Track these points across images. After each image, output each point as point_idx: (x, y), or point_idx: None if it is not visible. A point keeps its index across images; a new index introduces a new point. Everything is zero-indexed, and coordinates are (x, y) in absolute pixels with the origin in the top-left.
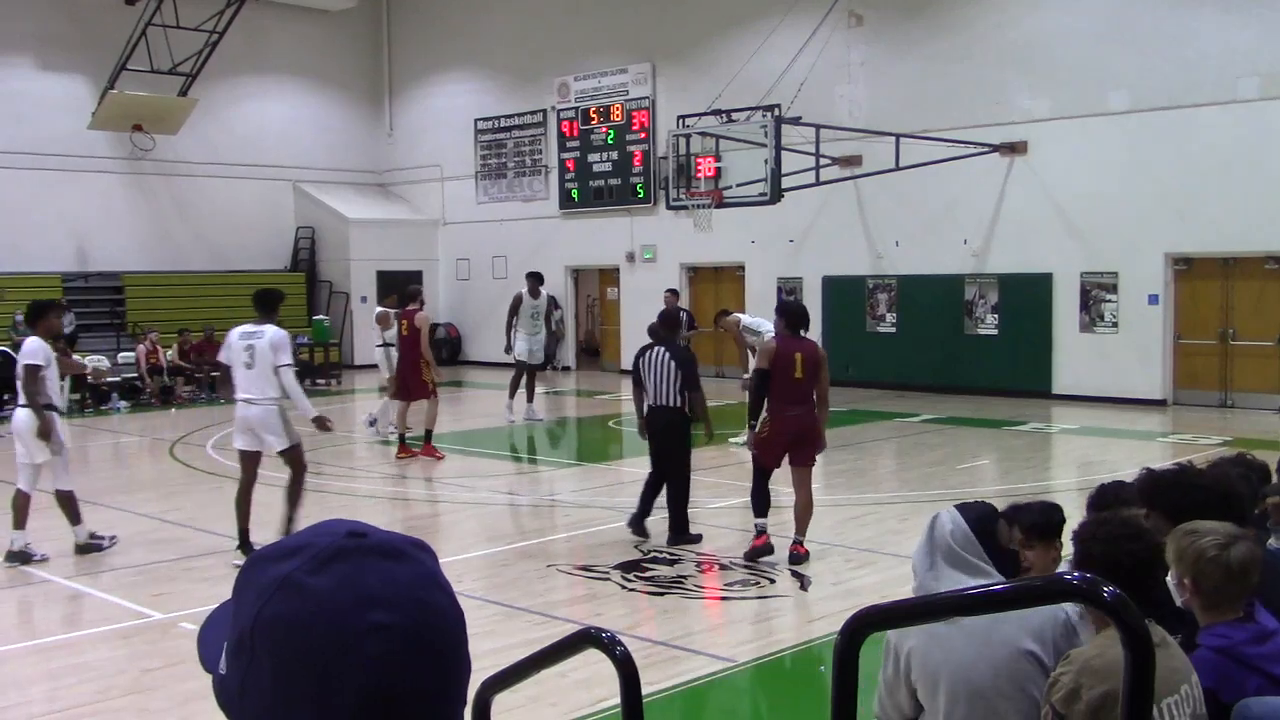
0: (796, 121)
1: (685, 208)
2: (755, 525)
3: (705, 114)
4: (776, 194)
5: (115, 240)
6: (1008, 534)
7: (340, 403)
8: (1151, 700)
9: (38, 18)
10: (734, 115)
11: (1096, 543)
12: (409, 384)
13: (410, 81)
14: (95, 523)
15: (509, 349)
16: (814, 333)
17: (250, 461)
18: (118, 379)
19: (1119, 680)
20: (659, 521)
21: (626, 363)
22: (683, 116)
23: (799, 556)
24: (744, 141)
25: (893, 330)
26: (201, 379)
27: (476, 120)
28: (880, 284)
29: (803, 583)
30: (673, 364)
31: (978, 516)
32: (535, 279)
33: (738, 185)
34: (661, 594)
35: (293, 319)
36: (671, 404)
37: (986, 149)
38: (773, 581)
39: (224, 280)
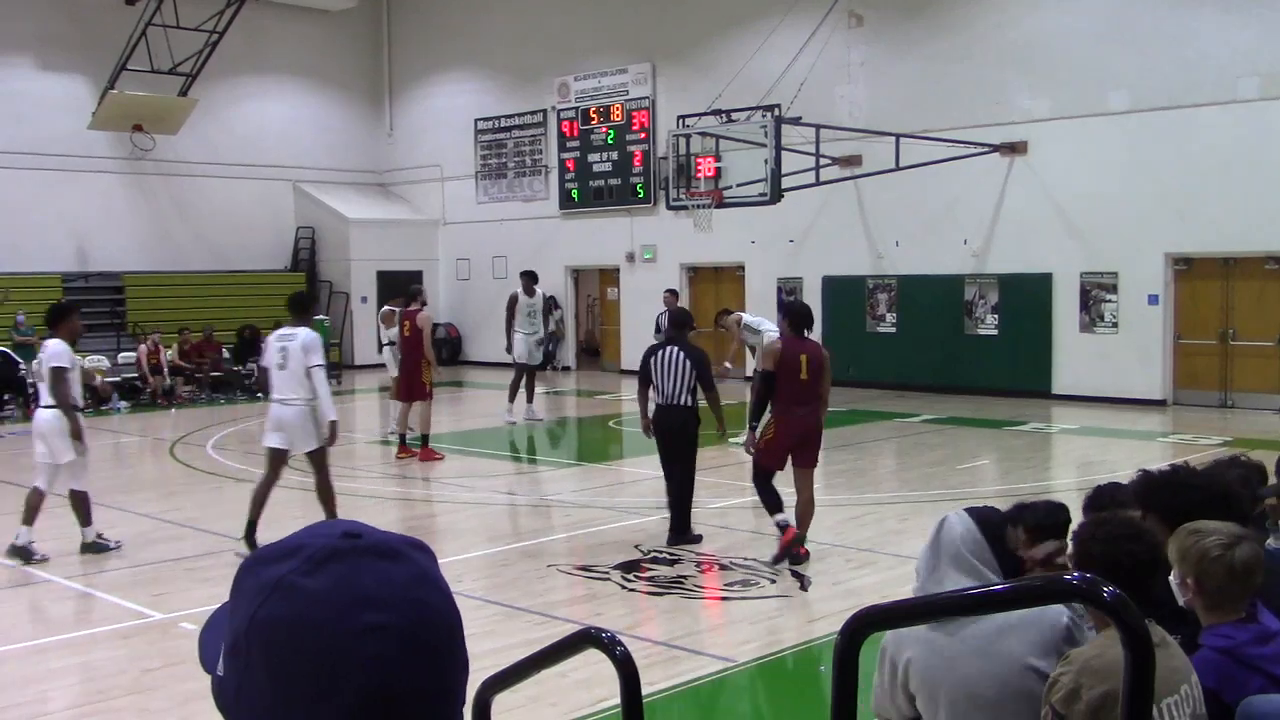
0: (796, 121)
1: (685, 208)
2: (776, 523)
3: (705, 114)
4: (776, 194)
5: (115, 240)
6: (1014, 537)
7: (340, 403)
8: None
9: (38, 18)
10: (734, 115)
11: (1096, 543)
12: (411, 384)
13: (410, 81)
14: (96, 523)
15: (509, 349)
16: (814, 333)
17: (278, 460)
18: (118, 379)
19: (1119, 680)
20: (660, 523)
21: (627, 363)
22: (683, 116)
23: (799, 557)
24: (744, 141)
25: (893, 330)
26: (201, 379)
27: (476, 120)
28: (880, 284)
29: (803, 583)
30: (687, 363)
31: (985, 521)
32: (530, 278)
33: (738, 185)
34: (661, 594)
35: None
36: (683, 403)
37: (986, 149)
38: (773, 581)
39: (224, 280)
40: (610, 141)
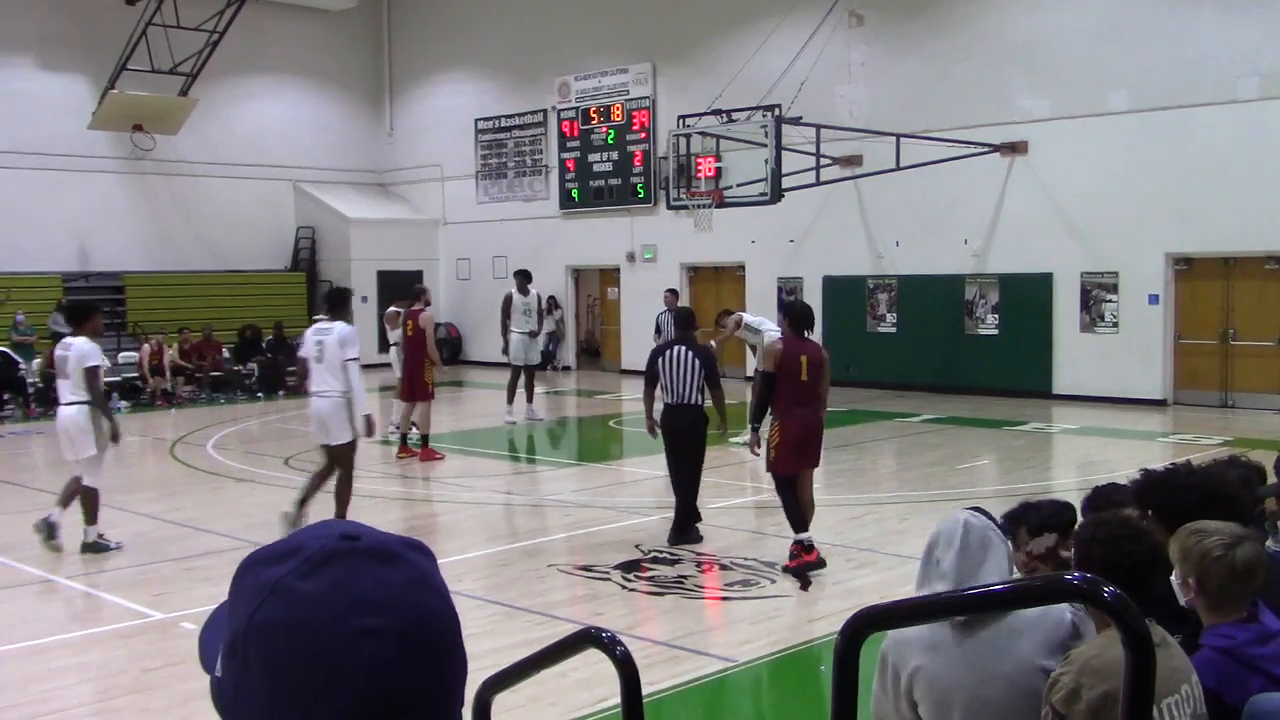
0: (797, 121)
1: (686, 207)
2: (803, 541)
3: (706, 114)
4: (777, 194)
5: (116, 240)
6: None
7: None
8: (1152, 700)
9: (38, 18)
10: (734, 115)
11: (1096, 544)
12: (414, 384)
13: (410, 81)
14: (98, 523)
15: (505, 349)
16: (815, 333)
17: (350, 451)
18: (118, 379)
19: (1119, 680)
20: (661, 522)
21: (627, 363)
22: (683, 116)
23: (807, 579)
24: (744, 141)
25: (893, 330)
26: (201, 379)
27: (477, 120)
28: (880, 284)
29: (803, 583)
30: (696, 362)
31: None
32: (523, 277)
33: (738, 185)
34: (662, 594)
35: (293, 319)
36: (693, 402)
37: (987, 149)
38: (773, 581)
39: (224, 280)
40: (610, 141)
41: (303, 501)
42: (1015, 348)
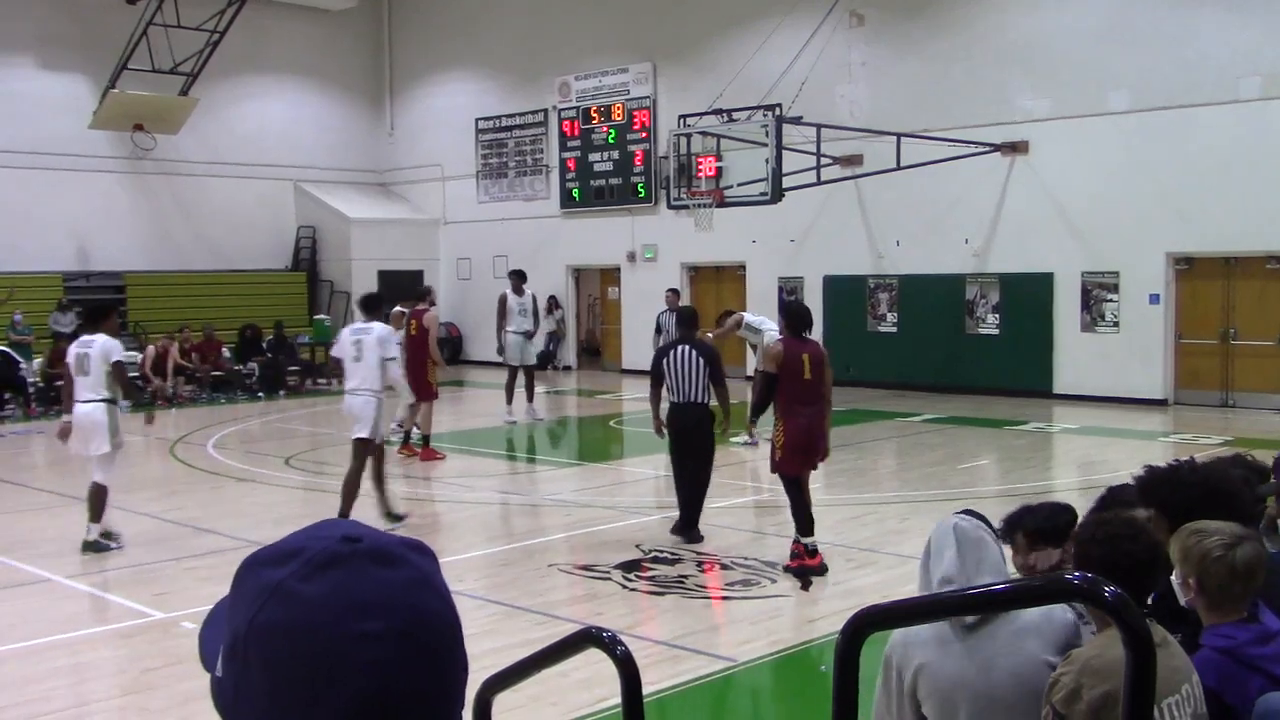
0: (797, 121)
1: (686, 207)
2: (806, 544)
3: (706, 113)
4: (777, 194)
5: (116, 240)
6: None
7: (340, 402)
8: (1153, 700)
9: (38, 18)
10: (735, 115)
11: (1094, 543)
12: (417, 384)
13: (411, 81)
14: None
15: (501, 350)
16: (815, 332)
17: (364, 450)
18: None
19: (1120, 680)
20: (661, 522)
21: (628, 362)
22: (684, 116)
23: (799, 556)
24: (745, 141)
25: (894, 330)
26: (202, 379)
27: (477, 120)
28: (881, 283)
29: (803, 583)
30: (700, 360)
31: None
32: (518, 277)
33: (739, 185)
34: (662, 594)
35: (293, 318)
36: (699, 400)
37: (987, 149)
38: (773, 581)
39: (225, 280)
40: (611, 141)
41: (384, 501)
42: (1016, 347)
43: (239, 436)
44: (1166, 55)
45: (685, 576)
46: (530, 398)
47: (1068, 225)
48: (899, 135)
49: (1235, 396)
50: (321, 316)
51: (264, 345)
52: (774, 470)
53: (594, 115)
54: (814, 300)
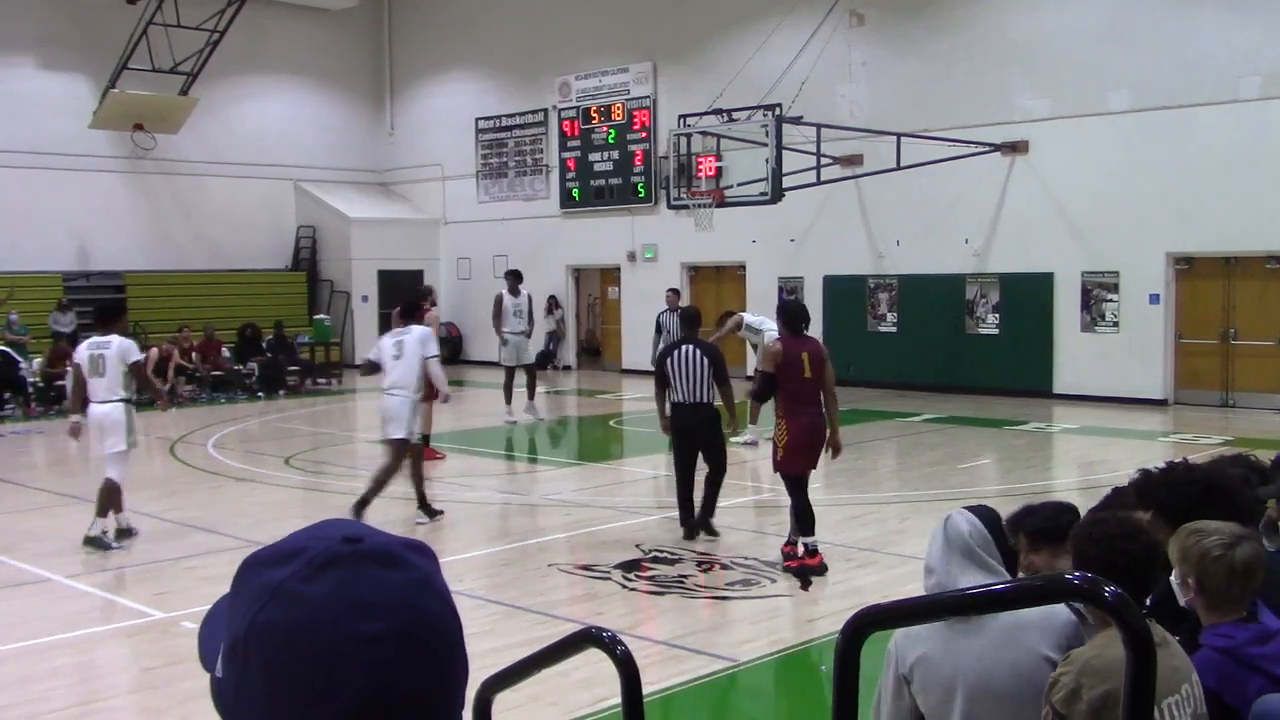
0: (798, 121)
1: (686, 207)
2: (805, 544)
3: (706, 113)
4: (777, 193)
5: (116, 240)
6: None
7: (340, 402)
8: (1153, 700)
9: (38, 18)
10: (735, 115)
11: (1092, 543)
12: None
13: (411, 81)
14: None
15: (498, 350)
16: (815, 332)
17: (402, 449)
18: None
19: (1120, 680)
20: (661, 522)
21: (628, 362)
22: (684, 116)
23: (808, 580)
24: (745, 141)
25: (894, 330)
26: (202, 378)
27: (477, 119)
28: (881, 283)
29: (803, 582)
30: (705, 360)
31: (986, 518)
32: (514, 277)
33: (739, 185)
34: (662, 594)
35: (293, 318)
36: (704, 400)
37: (987, 148)
38: (773, 581)
39: (225, 280)
40: (611, 141)
41: (421, 497)
42: (1016, 347)
43: (239, 436)
44: (1166, 55)
45: (685, 576)
46: (531, 396)
47: (1068, 225)
48: (899, 135)
49: (1235, 396)
50: (321, 316)
51: (264, 345)
52: (776, 469)
53: (594, 115)
54: (814, 300)
